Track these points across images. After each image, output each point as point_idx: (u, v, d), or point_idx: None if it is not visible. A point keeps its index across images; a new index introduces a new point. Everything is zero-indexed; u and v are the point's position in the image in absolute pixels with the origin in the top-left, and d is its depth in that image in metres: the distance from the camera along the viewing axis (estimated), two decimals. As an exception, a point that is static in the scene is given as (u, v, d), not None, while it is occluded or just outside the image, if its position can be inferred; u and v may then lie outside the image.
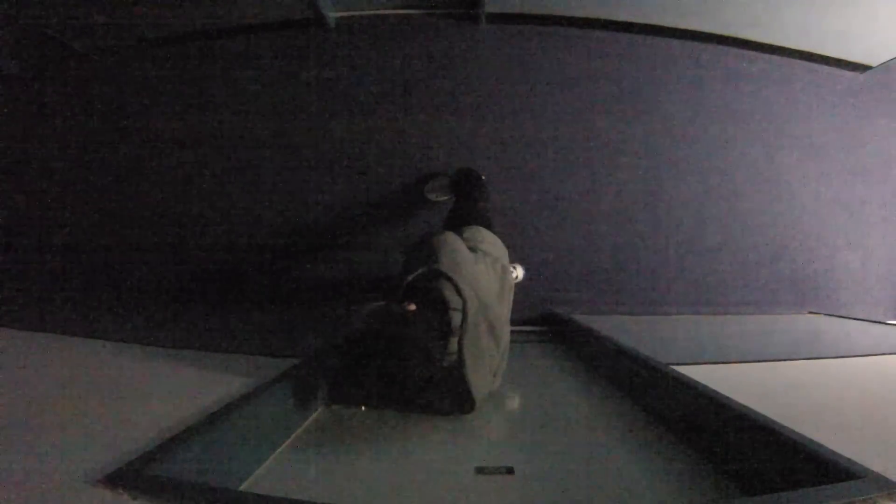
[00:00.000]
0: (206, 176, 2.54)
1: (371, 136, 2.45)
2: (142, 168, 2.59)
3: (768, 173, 2.52)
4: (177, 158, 2.56)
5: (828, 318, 2.32)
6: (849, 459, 0.64)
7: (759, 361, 1.35)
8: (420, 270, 1.15)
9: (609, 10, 2.32)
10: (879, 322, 2.08)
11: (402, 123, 2.45)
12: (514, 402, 1.32)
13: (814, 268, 2.55)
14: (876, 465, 0.63)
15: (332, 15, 2.41)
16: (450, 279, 1.11)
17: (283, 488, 0.81)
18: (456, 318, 1.11)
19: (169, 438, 0.74)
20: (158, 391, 1.08)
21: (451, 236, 1.27)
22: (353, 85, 2.46)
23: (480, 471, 0.86)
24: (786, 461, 0.70)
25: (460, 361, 1.07)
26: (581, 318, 2.09)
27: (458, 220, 1.69)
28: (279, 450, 0.95)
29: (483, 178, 2.21)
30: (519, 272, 2.34)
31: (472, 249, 1.37)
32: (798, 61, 2.50)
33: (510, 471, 0.86)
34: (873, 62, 2.47)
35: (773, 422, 0.77)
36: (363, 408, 1.19)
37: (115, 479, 0.61)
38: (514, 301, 1.50)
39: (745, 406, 0.84)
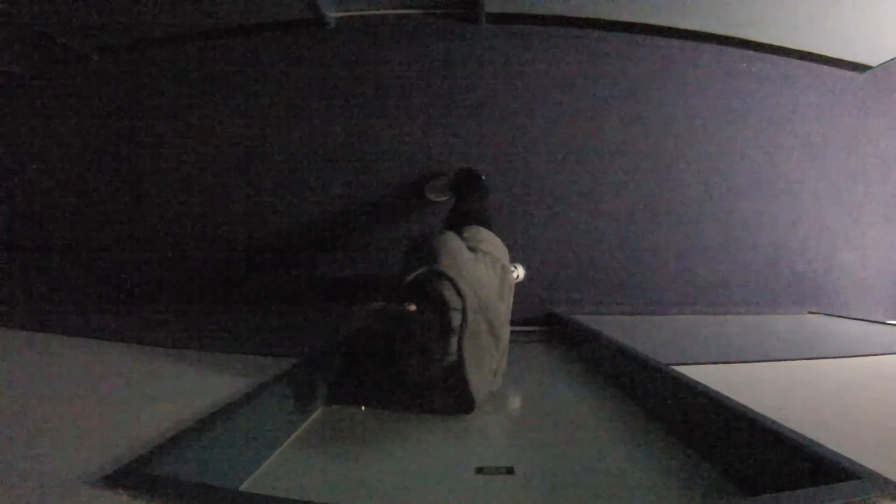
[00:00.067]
0: (206, 176, 2.54)
1: (371, 136, 2.45)
2: (142, 168, 2.59)
3: (768, 173, 2.52)
4: (177, 158, 2.56)
5: (828, 318, 2.32)
6: (849, 459, 0.64)
7: (759, 361, 1.35)
8: (420, 270, 1.15)
9: (609, 10, 2.32)
10: (879, 322, 2.08)
11: (402, 123, 2.45)
12: (514, 402, 1.32)
13: (814, 268, 2.55)
14: (876, 465, 0.63)
15: (332, 15, 2.41)
16: (450, 279, 1.11)
17: (283, 488, 0.81)
18: (456, 317, 1.11)
19: (169, 438, 0.74)
20: (158, 391, 1.08)
21: (451, 236, 1.27)
22: (353, 85, 2.46)
23: (480, 471, 0.86)
24: (786, 461, 0.70)
25: (460, 361, 1.07)
26: (581, 318, 2.09)
27: (458, 220, 1.68)
28: (279, 450, 0.95)
29: (483, 178, 2.21)
30: (519, 272, 2.35)
31: (472, 249, 1.37)
32: (798, 61, 2.50)
33: (510, 471, 0.86)
34: (873, 62, 2.47)
35: (773, 422, 0.77)
36: (363, 408, 1.19)
37: (115, 479, 0.61)
38: (514, 301, 1.50)
39: (745, 406, 0.84)
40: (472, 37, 2.44)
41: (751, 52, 2.47)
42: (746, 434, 0.79)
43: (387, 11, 2.44)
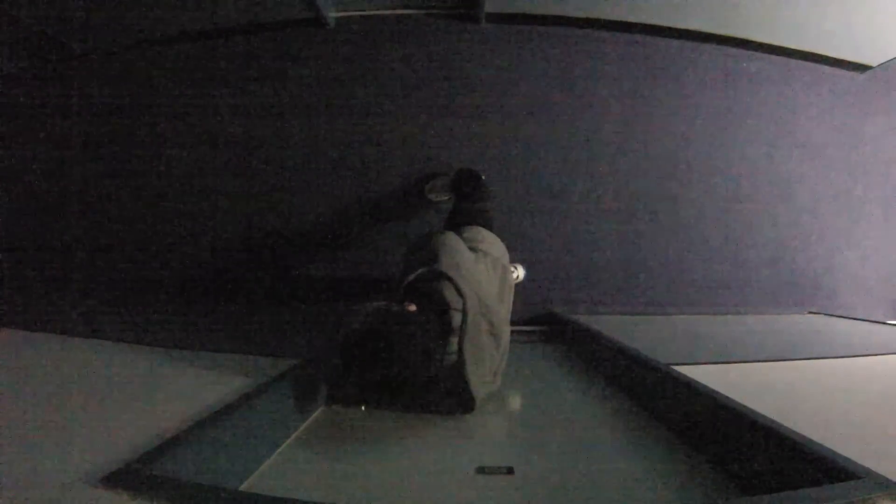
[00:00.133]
0: (206, 176, 2.54)
1: (371, 136, 2.45)
2: (142, 168, 2.59)
3: (768, 173, 2.52)
4: (177, 158, 2.56)
5: (828, 318, 2.32)
6: (849, 459, 0.64)
7: (759, 361, 1.35)
8: (420, 270, 1.15)
9: (609, 10, 2.32)
10: (879, 322, 2.08)
11: (402, 123, 2.45)
12: (514, 402, 1.32)
13: (814, 268, 2.55)
14: (876, 465, 0.63)
15: (332, 15, 2.41)
16: (450, 279, 1.11)
17: (283, 488, 0.81)
18: (456, 318, 1.11)
19: (169, 438, 0.74)
20: (158, 391, 1.08)
21: (451, 236, 1.27)
22: (353, 85, 2.46)
23: (480, 471, 0.86)
24: (786, 461, 0.70)
25: (460, 361, 1.07)
26: (581, 318, 2.09)
27: (459, 221, 1.68)
28: (279, 450, 0.95)
29: (483, 178, 2.21)
30: (519, 272, 2.35)
31: (473, 249, 1.37)
32: (798, 61, 2.50)
33: (510, 471, 0.86)
34: (873, 62, 2.47)
35: (774, 422, 0.77)
36: (363, 408, 1.19)
37: (115, 479, 0.61)
38: (515, 301, 1.50)
39: (745, 406, 0.84)
40: (472, 37, 2.44)
41: (751, 52, 2.47)
42: (746, 434, 0.79)
43: (387, 11, 2.44)
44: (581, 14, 2.36)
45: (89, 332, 1.68)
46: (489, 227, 1.61)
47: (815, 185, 2.56)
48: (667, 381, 1.07)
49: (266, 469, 0.87)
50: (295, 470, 0.88)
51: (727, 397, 0.89)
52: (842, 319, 2.24)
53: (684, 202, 2.48)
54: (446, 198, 2.38)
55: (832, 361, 1.35)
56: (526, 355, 1.80)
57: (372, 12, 2.44)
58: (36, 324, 1.82)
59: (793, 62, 2.50)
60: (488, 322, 1.16)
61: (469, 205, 1.87)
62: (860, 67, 2.52)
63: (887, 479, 0.60)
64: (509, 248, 1.60)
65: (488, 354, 1.17)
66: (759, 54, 2.47)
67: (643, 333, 1.83)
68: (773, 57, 2.48)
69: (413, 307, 1.08)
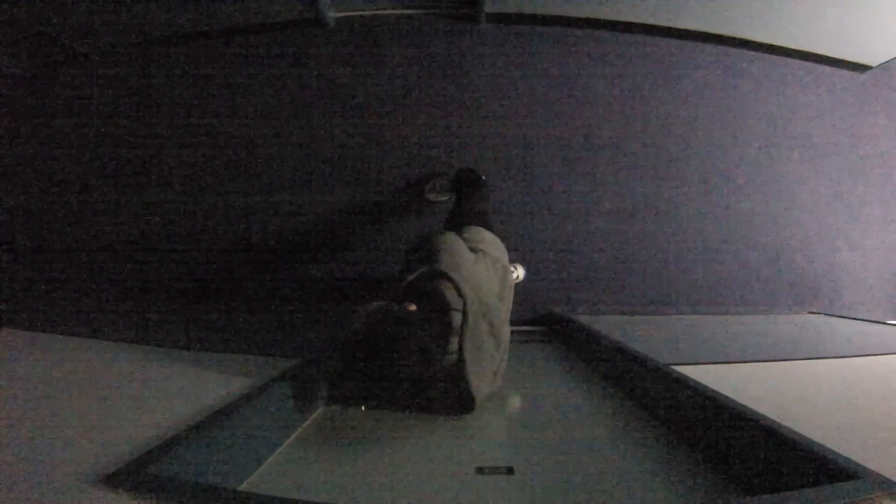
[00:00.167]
0: (206, 176, 2.54)
1: (371, 136, 2.46)
2: (142, 168, 2.59)
3: (768, 173, 2.52)
4: (177, 158, 2.56)
5: (828, 318, 2.32)
6: (849, 459, 0.64)
7: (759, 361, 1.35)
8: (420, 270, 1.15)
9: (609, 10, 2.32)
10: (879, 322, 2.08)
11: (402, 123, 2.45)
12: (514, 402, 1.32)
13: (814, 268, 2.55)
14: (876, 465, 0.63)
15: (332, 15, 2.41)
16: (450, 279, 1.11)
17: (283, 488, 0.81)
18: (456, 318, 1.11)
19: (169, 438, 0.74)
20: (158, 391, 1.08)
21: (451, 236, 1.27)
22: (353, 85, 2.46)
23: (480, 471, 0.86)
24: (786, 461, 0.70)
25: (461, 361, 1.07)
26: (581, 318, 2.09)
27: (459, 221, 1.68)
28: (279, 450, 0.95)
29: (483, 178, 2.21)
30: (519, 272, 2.35)
31: (473, 250, 1.37)
32: (798, 61, 2.50)
33: (510, 471, 0.86)
34: (873, 62, 2.48)
35: (773, 422, 0.77)
36: (363, 408, 1.19)
37: (115, 479, 0.62)
38: (514, 301, 1.50)
39: (745, 406, 0.84)
40: (472, 37, 2.44)
41: (751, 52, 2.47)
42: (746, 434, 0.79)
43: (387, 11, 2.44)
44: (581, 14, 2.36)
45: (89, 332, 1.68)
46: (489, 227, 1.61)
47: (815, 185, 2.56)
48: (667, 381, 1.07)
49: (266, 469, 0.87)
50: (295, 470, 0.88)
51: (727, 397, 0.89)
52: (842, 319, 2.24)
53: (684, 202, 2.48)
54: (446, 198, 2.38)
55: (832, 361, 1.35)
56: (526, 355, 1.80)
57: (372, 12, 2.44)
58: (36, 324, 1.82)
59: (793, 62, 2.50)
60: (488, 322, 1.16)
61: (469, 205, 1.87)
62: (860, 67, 2.52)
63: (887, 480, 0.60)
64: (509, 248, 1.60)
65: (488, 354, 1.17)
66: (759, 54, 2.47)
67: (643, 333, 1.83)
68: (773, 57, 2.49)
69: (413, 307, 1.08)
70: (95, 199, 2.63)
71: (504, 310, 1.34)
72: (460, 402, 1.12)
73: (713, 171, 2.50)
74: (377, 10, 2.43)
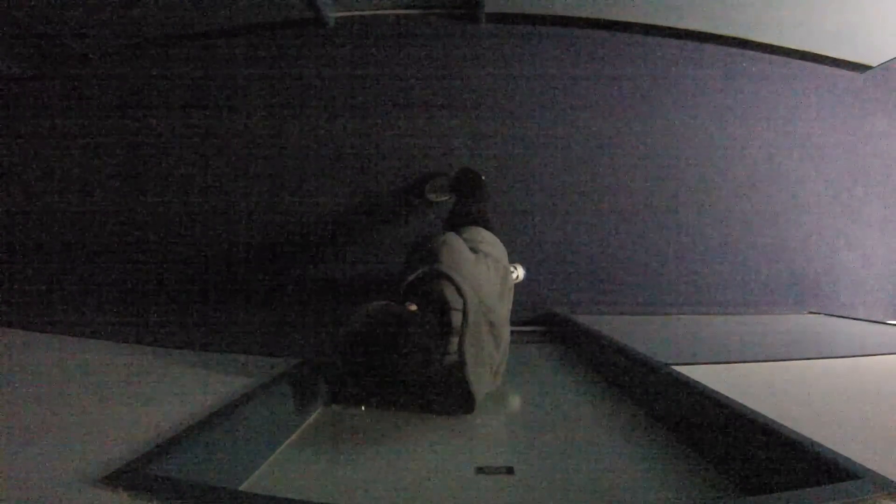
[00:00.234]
0: (206, 176, 2.54)
1: (371, 136, 2.46)
2: (142, 168, 2.59)
3: (768, 173, 2.52)
4: (177, 158, 2.56)
5: (828, 318, 2.32)
6: (849, 459, 0.64)
7: (759, 361, 1.35)
8: (421, 270, 1.15)
9: (609, 10, 2.32)
10: (879, 322, 2.08)
11: (402, 123, 2.45)
12: (514, 402, 1.32)
13: (814, 268, 2.55)
14: (876, 465, 0.63)
15: (332, 15, 2.41)
16: (450, 279, 1.11)
17: (283, 488, 0.81)
18: (457, 318, 1.11)
19: (169, 438, 0.74)
20: (158, 391, 1.08)
21: (451, 237, 1.27)
22: (353, 85, 2.46)
23: (480, 471, 0.86)
24: (786, 461, 0.70)
25: (461, 361, 1.07)
26: (581, 318, 2.08)
27: (459, 221, 1.68)
28: (279, 450, 0.95)
29: (483, 178, 2.21)
30: (519, 272, 2.35)
31: (473, 250, 1.37)
32: (798, 61, 2.50)
33: (510, 471, 0.86)
34: (873, 62, 2.48)
35: (773, 422, 0.77)
36: (363, 408, 1.19)
37: (115, 479, 0.61)
38: (514, 301, 1.50)
39: (745, 406, 0.84)
40: (472, 37, 2.44)
41: (751, 52, 2.47)
42: (746, 434, 0.79)
43: (387, 11, 2.44)
44: (581, 14, 2.36)
45: (89, 332, 1.68)
46: (489, 228, 1.61)
47: (815, 185, 2.56)
48: (667, 381, 1.07)
49: (266, 469, 0.87)
50: (295, 470, 0.88)
51: (727, 397, 0.89)
52: (842, 319, 2.24)
53: (684, 202, 2.48)
54: (446, 198, 2.38)
55: (832, 361, 1.35)
56: (526, 355, 1.80)
57: (372, 12, 2.44)
58: (36, 324, 1.82)
59: (793, 62, 2.50)
60: (489, 322, 1.16)
61: (469, 205, 1.87)
62: (860, 67, 2.52)
63: (887, 479, 0.60)
64: (509, 248, 1.60)
65: (488, 354, 1.17)
66: (759, 54, 2.47)
67: (643, 333, 1.83)
68: (773, 57, 2.49)
69: (413, 307, 1.08)
70: (95, 199, 2.62)
71: (504, 310, 1.34)
72: (460, 402, 1.12)
73: (713, 171, 2.50)
74: (377, 9, 2.43)
